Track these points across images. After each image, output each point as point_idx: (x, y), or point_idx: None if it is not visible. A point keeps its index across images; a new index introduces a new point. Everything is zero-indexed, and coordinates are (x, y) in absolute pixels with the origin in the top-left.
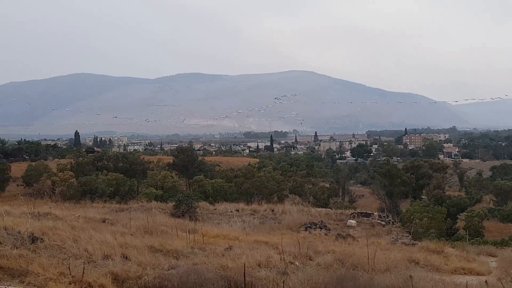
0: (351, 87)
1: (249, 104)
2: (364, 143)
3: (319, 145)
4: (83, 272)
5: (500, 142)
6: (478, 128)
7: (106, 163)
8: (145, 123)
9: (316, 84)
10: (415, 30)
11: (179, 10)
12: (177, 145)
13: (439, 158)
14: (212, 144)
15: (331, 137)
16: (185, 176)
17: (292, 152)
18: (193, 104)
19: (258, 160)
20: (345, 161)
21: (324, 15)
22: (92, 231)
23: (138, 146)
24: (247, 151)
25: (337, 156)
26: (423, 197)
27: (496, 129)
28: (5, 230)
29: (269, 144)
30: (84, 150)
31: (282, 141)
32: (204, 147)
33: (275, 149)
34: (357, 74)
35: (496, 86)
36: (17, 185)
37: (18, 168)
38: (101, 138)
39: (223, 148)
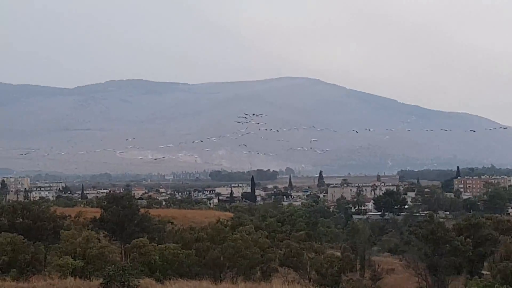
0: (374, 103)
1: (219, 128)
2: (395, 190)
3: (326, 192)
4: None
5: None
6: None
7: None
8: (58, 156)
9: (322, 97)
10: (474, 22)
11: None
12: (107, 190)
13: (508, 214)
14: (162, 190)
15: (345, 179)
16: (120, 239)
17: (285, 203)
18: (132, 127)
19: (232, 214)
20: (365, 216)
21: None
22: None
23: (47, 192)
24: (216, 200)
25: (353, 209)
26: (485, 272)
27: None
28: None
29: (249, 190)
30: None
31: (270, 186)
32: (150, 194)
33: (258, 198)
34: (384, 85)
35: None
36: None
37: None
38: None
39: (178, 196)
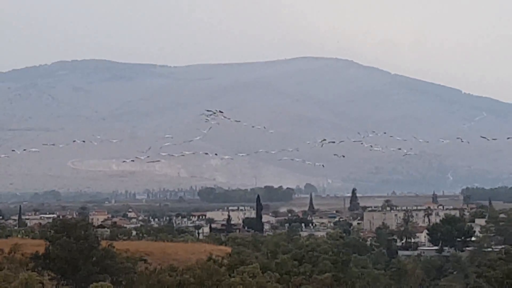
0: (429, 94)
1: (212, 127)
2: (458, 215)
3: (361, 218)
4: None
5: None
6: None
7: None
8: None
9: (357, 85)
10: None
11: None
12: (55, 215)
13: None
14: (132, 215)
15: (387, 200)
16: (72, 283)
17: (304, 233)
18: (90, 126)
19: (229, 249)
20: (416, 253)
21: None
22: None
23: None
24: (207, 229)
25: (399, 243)
26: None
27: None
28: None
29: (253, 215)
30: None
31: (282, 209)
32: (114, 220)
33: (266, 226)
34: (443, 69)
35: None
36: None
37: None
38: None
39: (154, 223)
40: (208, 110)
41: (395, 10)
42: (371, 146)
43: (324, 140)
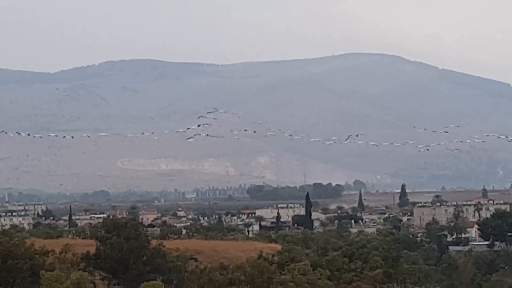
0: (478, 89)
1: (260, 125)
2: (509, 209)
3: (411, 214)
4: None
5: None
6: None
7: None
8: (36, 167)
9: (404, 80)
10: None
11: None
12: (105, 215)
13: None
14: (181, 214)
15: (437, 196)
16: (123, 283)
17: (354, 230)
18: (139, 126)
19: (279, 247)
20: (467, 248)
21: None
22: None
23: (21, 218)
24: (256, 227)
25: (450, 238)
26: None
27: None
28: None
29: (303, 212)
30: None
31: (332, 206)
32: (164, 219)
33: (316, 223)
34: (493, 63)
35: None
36: None
37: None
38: None
39: (203, 221)
40: (213, 110)
41: (441, 4)
42: (419, 145)
43: (351, 135)
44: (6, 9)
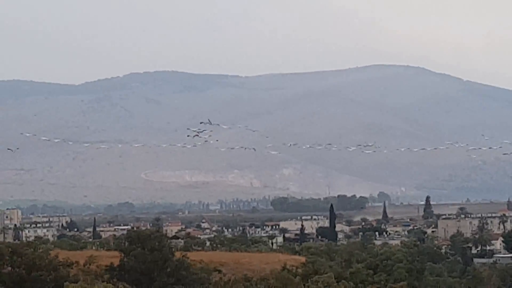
0: (503, 101)
1: (285, 137)
2: None
3: (436, 226)
4: None
5: None
6: None
7: None
8: (61, 179)
9: (429, 92)
10: None
11: None
12: (129, 227)
13: None
14: (205, 225)
15: (462, 208)
16: None
17: (378, 242)
18: (163, 137)
19: (303, 259)
20: (492, 260)
21: None
22: None
23: (45, 230)
24: (280, 239)
25: (474, 250)
26: None
27: None
28: None
29: (327, 224)
30: None
31: (356, 218)
32: (188, 231)
33: (340, 235)
34: None
35: None
36: None
37: None
38: None
39: (228, 233)
40: (206, 122)
41: (466, 16)
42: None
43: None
44: (31, 22)
